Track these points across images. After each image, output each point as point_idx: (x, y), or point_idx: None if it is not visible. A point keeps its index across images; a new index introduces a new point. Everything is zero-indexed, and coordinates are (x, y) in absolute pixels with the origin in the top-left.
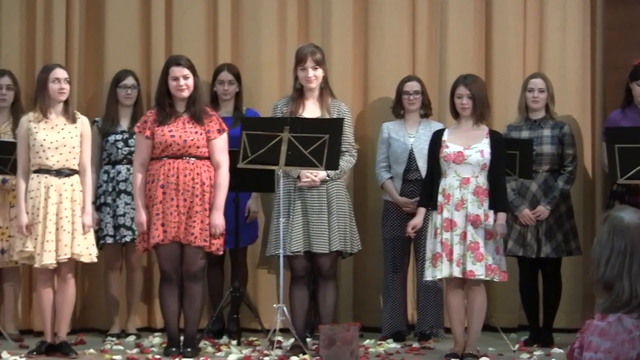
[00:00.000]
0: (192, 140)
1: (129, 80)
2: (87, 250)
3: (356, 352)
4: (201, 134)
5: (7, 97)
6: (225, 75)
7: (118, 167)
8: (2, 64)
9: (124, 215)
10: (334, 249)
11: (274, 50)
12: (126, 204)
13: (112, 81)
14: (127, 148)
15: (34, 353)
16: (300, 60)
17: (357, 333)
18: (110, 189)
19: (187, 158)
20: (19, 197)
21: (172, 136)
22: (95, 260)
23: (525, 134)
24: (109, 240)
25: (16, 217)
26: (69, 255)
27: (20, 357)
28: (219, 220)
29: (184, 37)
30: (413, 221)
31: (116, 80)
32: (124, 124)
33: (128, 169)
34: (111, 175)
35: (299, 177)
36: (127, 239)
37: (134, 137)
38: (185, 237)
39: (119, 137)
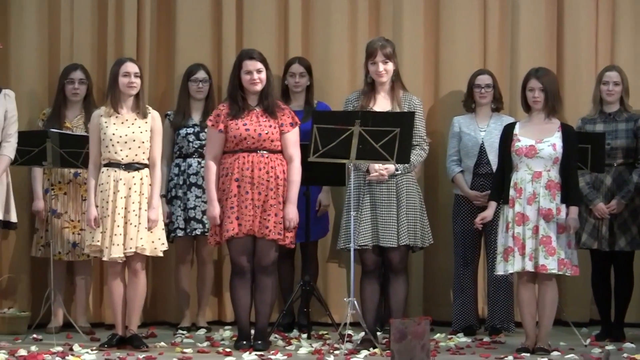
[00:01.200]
0: (266, 133)
1: (201, 74)
2: (152, 244)
3: (427, 346)
4: (275, 128)
5: (80, 91)
6: (296, 68)
7: (189, 160)
8: (74, 59)
9: (194, 208)
10: (403, 243)
11: (344, 44)
12: (197, 197)
13: (184, 75)
14: (198, 141)
15: (105, 346)
16: (370, 54)
17: (428, 327)
18: (181, 182)
19: (261, 152)
20: (89, 191)
21: (247, 130)
22: (160, 254)
23: (599, 127)
24: (180, 234)
25: (86, 211)
26: (134, 249)
27: (92, 350)
28: (293, 213)
29: (255, 31)
30: (483, 213)
31: (188, 74)
32: (196, 117)
33: (199, 162)
34: (182, 169)
35: (367, 171)
36: (198, 232)
37: (205, 130)
38: (259, 231)
39: (190, 130)
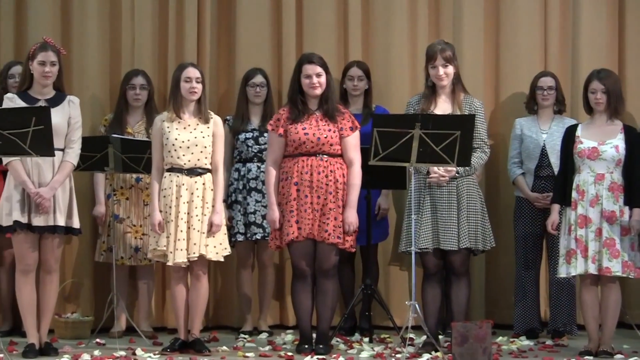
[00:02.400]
0: (325, 137)
1: (258, 79)
2: (214, 249)
3: (489, 350)
4: (334, 132)
5: (141, 96)
6: (355, 71)
7: (249, 165)
8: (135, 64)
9: (254, 212)
10: (463, 246)
11: (404, 47)
12: (256, 201)
13: (242, 79)
14: (257, 146)
15: (168, 350)
16: (430, 58)
17: (490, 330)
18: (240, 187)
19: (321, 156)
20: (152, 196)
21: (306, 134)
22: (222, 259)
23: None
24: (240, 238)
25: (150, 216)
26: (198, 254)
27: (154, 354)
28: (352, 217)
29: (315, 35)
30: (550, 219)
31: (246, 78)
32: (255, 121)
33: (258, 167)
34: (242, 173)
35: (428, 173)
36: (258, 236)
37: (265, 135)
38: (319, 234)
39: (249, 135)
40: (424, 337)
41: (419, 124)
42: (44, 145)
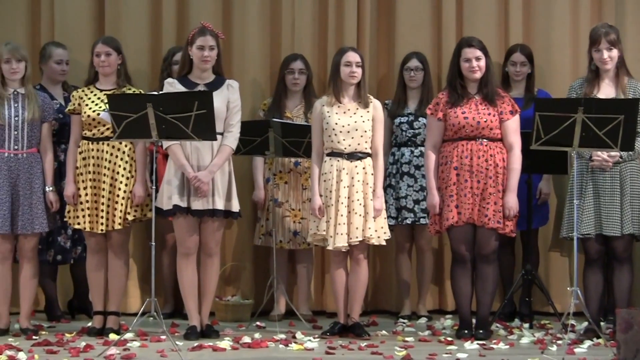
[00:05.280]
0: (485, 122)
1: (413, 62)
2: (376, 233)
3: None
4: (494, 116)
5: (300, 81)
6: (517, 57)
7: (403, 149)
8: (295, 49)
9: (405, 197)
10: (627, 232)
11: (566, 31)
12: (408, 186)
13: (401, 63)
14: (411, 130)
15: (328, 334)
16: (594, 42)
17: None
18: (394, 172)
19: (481, 140)
20: (312, 180)
21: (465, 118)
22: (384, 243)
23: None
24: (392, 222)
25: (310, 200)
26: (360, 238)
27: (314, 338)
28: (512, 202)
29: (475, 18)
30: None
31: (403, 62)
32: (412, 106)
33: (412, 152)
34: (396, 157)
35: (591, 158)
36: (408, 221)
37: (419, 119)
38: (479, 219)
39: (404, 119)
40: (585, 324)
41: (582, 107)
42: (206, 129)
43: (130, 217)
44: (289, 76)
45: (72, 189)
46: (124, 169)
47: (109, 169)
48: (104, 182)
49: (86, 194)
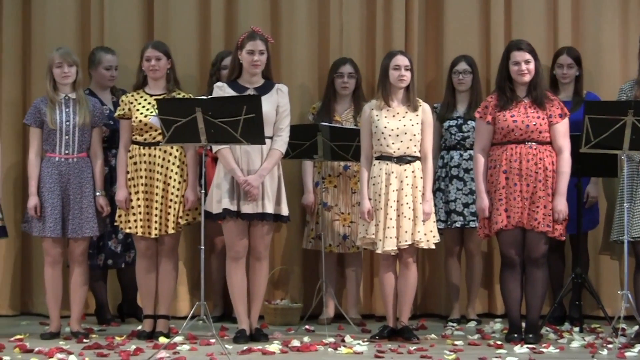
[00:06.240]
0: (534, 125)
1: (461, 66)
2: (425, 237)
3: None
4: (543, 119)
5: (349, 85)
6: (564, 59)
7: (452, 152)
8: (343, 52)
9: (454, 200)
10: None
11: (615, 33)
12: (457, 189)
13: (450, 67)
14: (460, 134)
15: (377, 337)
16: None
17: None
18: (443, 175)
19: (530, 143)
20: (362, 184)
21: (515, 121)
22: (433, 246)
23: None
24: (441, 226)
25: (359, 204)
26: (409, 242)
27: (363, 342)
28: (562, 205)
29: (524, 21)
30: None
31: (452, 66)
32: (461, 109)
33: (461, 155)
34: (445, 161)
35: None
36: (457, 224)
37: (468, 122)
38: (528, 222)
39: (453, 122)
40: (636, 328)
41: (632, 110)
42: (254, 133)
43: (182, 221)
44: (338, 80)
45: (124, 194)
46: (176, 173)
47: (161, 173)
48: (156, 186)
49: (138, 199)
